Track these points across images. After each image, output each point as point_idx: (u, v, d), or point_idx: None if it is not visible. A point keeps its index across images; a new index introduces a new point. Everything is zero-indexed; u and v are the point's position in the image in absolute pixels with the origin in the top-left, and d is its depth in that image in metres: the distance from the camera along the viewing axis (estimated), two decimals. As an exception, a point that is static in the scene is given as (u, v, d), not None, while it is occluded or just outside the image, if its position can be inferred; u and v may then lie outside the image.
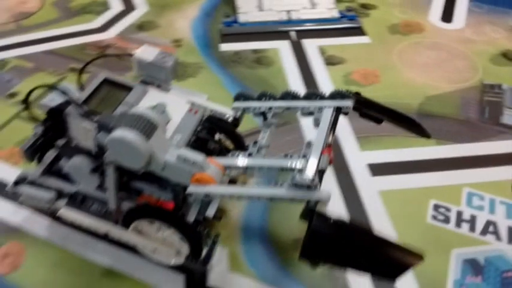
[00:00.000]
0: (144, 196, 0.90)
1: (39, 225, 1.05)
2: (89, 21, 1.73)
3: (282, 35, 1.67)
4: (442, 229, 1.07)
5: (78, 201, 0.95)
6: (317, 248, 0.73)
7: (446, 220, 1.08)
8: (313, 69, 1.52)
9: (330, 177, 1.17)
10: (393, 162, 1.22)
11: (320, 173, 0.78)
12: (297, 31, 1.68)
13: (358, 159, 1.22)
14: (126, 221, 0.91)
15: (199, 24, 1.73)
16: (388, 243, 0.73)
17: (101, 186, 0.90)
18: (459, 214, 1.10)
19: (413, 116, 1.33)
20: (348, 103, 0.91)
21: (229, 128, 0.97)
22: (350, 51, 1.60)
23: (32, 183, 0.95)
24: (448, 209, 1.11)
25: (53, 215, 0.99)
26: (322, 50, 1.60)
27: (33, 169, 0.96)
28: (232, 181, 1.03)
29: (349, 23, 1.71)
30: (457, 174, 1.19)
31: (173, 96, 0.91)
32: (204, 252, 0.92)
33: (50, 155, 0.95)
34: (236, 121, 1.00)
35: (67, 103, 0.85)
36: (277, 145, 1.26)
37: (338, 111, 0.92)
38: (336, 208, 1.10)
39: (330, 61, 1.55)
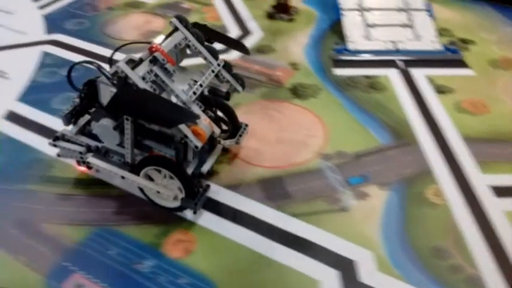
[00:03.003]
0: (153, 152, 1.18)
1: (206, 217, 1.21)
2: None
3: (390, 63, 1.80)
4: None
5: (102, 153, 1.22)
6: (119, 106, 1.06)
7: None
8: (424, 97, 1.64)
9: (457, 196, 1.28)
10: (513, 186, 1.32)
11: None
12: (404, 61, 1.81)
13: (481, 181, 1.32)
14: (138, 168, 1.16)
15: (312, 50, 1.89)
16: (172, 106, 1.06)
17: (120, 144, 1.15)
18: None
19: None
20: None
21: (221, 101, 1.29)
22: (456, 82, 1.71)
23: (68, 140, 1.25)
24: None
25: (83, 163, 1.25)
26: (430, 79, 1.72)
27: (69, 129, 1.25)
28: (225, 150, 1.36)
29: (452, 56, 1.83)
30: None
31: (179, 74, 1.17)
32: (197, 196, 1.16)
33: (83, 119, 1.25)
34: (228, 94, 1.28)
35: (99, 76, 1.12)
36: (398, 164, 1.38)
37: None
38: (466, 224, 1.20)
39: (439, 90, 1.67)
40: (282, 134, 1.47)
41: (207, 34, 1.27)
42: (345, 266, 1.10)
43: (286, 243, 1.15)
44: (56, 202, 1.25)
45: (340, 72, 1.76)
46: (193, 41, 1.21)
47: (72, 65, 1.19)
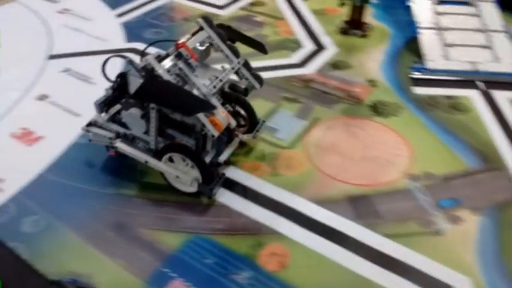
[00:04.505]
0: (175, 141, 1.28)
1: (299, 232, 1.21)
2: (287, 57, 1.94)
3: (470, 84, 1.77)
4: None
5: (129, 139, 1.33)
6: (144, 94, 1.16)
7: None
8: (508, 120, 1.60)
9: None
10: None
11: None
12: (484, 82, 1.78)
13: None
14: (160, 154, 1.26)
15: (388, 67, 1.88)
16: (192, 96, 1.16)
17: (146, 132, 1.26)
18: None
19: None
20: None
21: (241, 97, 1.37)
22: (541, 106, 1.67)
23: (100, 126, 1.36)
24: None
25: (112, 148, 1.36)
26: (512, 103, 1.69)
27: (101, 117, 1.36)
28: (242, 143, 1.45)
29: (533, 80, 1.79)
30: None
31: (202, 70, 1.29)
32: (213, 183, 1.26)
33: (114, 108, 1.36)
34: (246, 91, 1.36)
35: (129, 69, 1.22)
36: (489, 189, 1.35)
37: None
38: None
39: (524, 114, 1.63)
40: (366, 152, 1.46)
41: (230, 34, 1.36)
42: (444, 291, 1.09)
43: (382, 264, 1.14)
44: (150, 208, 1.28)
45: (419, 91, 1.74)
46: (216, 39, 1.31)
47: (107, 59, 1.32)
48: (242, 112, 1.41)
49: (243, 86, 1.36)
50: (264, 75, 1.80)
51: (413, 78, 1.80)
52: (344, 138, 1.52)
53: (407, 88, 1.76)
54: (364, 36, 2.08)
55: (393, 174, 1.39)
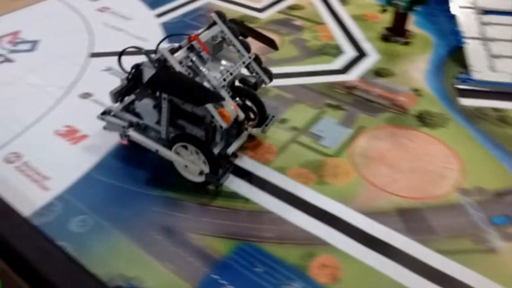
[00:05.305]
0: (185, 131, 1.32)
1: (348, 244, 1.19)
2: (328, 62, 1.92)
3: (517, 97, 1.73)
4: None
5: (141, 129, 1.37)
6: (156, 83, 1.21)
7: None
8: (559, 136, 1.56)
9: None
10: None
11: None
12: (533, 95, 1.73)
13: None
14: (171, 143, 1.29)
15: (433, 77, 1.84)
16: (202, 87, 1.18)
17: (158, 122, 1.30)
18: None
19: None
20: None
21: (252, 92, 1.40)
22: None
23: (114, 115, 1.41)
24: None
25: (125, 136, 1.39)
26: None
27: (116, 106, 1.41)
28: (251, 137, 1.47)
29: None
30: None
31: (213, 64, 1.31)
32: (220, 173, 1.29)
33: (128, 98, 1.41)
34: (256, 85, 1.38)
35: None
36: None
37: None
38: None
39: None
40: (414, 163, 1.43)
41: (242, 29, 1.39)
42: (502, 313, 1.05)
43: (435, 280, 1.10)
44: (196, 212, 1.27)
45: (466, 102, 1.70)
46: (228, 34, 1.34)
47: (122, 50, 1.36)
48: (252, 106, 1.43)
49: (253, 81, 1.39)
50: (306, 80, 1.81)
51: (459, 89, 1.76)
52: (391, 148, 1.49)
53: (453, 99, 1.72)
54: (407, 43, 2.04)
55: (444, 187, 1.35)
